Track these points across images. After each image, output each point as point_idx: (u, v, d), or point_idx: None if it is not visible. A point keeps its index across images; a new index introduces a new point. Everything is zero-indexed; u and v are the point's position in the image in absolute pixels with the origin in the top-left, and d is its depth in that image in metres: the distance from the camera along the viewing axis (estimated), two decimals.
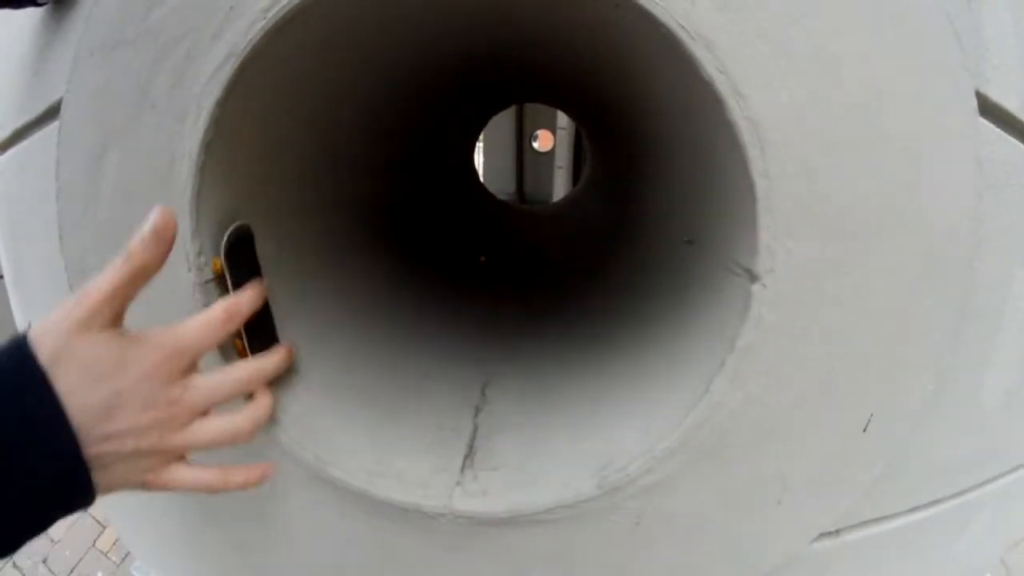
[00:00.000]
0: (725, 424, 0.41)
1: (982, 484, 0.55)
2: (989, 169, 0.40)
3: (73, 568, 2.30)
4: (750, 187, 0.36)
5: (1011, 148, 0.41)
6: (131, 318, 0.35)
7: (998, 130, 0.40)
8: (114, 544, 2.33)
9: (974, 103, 0.38)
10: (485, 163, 2.84)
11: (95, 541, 2.35)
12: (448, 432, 0.52)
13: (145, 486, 0.34)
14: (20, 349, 0.28)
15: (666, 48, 0.36)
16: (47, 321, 0.30)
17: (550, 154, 2.70)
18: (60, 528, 2.37)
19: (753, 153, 0.35)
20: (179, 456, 0.35)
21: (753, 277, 0.38)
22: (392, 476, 0.46)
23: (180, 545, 0.65)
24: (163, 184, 0.41)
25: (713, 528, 0.46)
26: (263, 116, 0.45)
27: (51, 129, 0.50)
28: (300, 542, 0.51)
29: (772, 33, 0.35)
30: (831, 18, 0.36)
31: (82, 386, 0.29)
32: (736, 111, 0.35)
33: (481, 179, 1.89)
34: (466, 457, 0.49)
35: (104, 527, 2.37)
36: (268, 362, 0.40)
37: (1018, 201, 0.42)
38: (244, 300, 0.37)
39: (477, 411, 0.56)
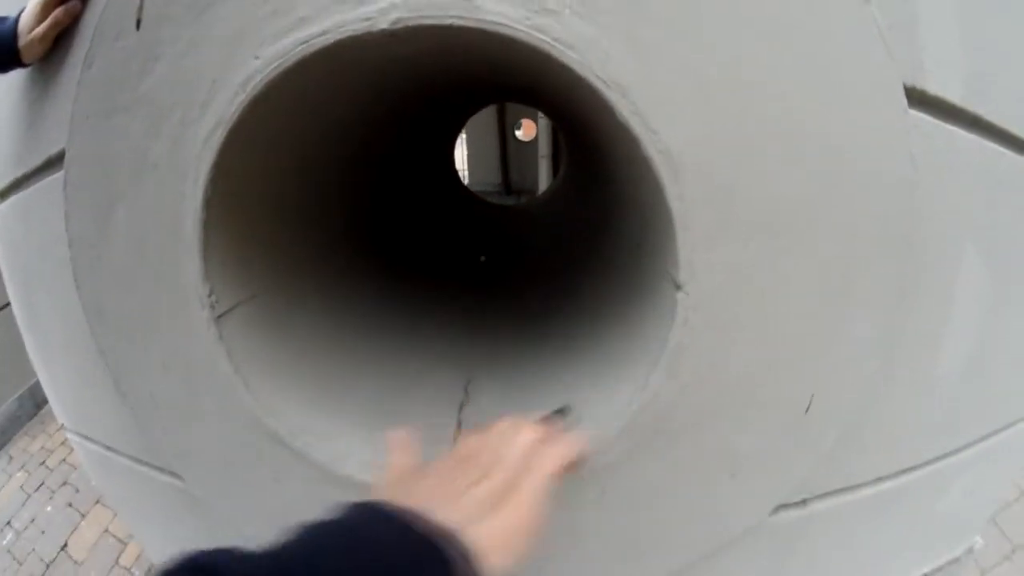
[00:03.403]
0: (666, 410, 0.47)
1: (954, 452, 0.59)
2: (928, 159, 0.43)
3: None
4: (667, 210, 0.41)
5: (953, 136, 0.44)
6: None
7: (936, 121, 0.43)
8: (137, 559, 2.36)
9: (902, 101, 0.41)
10: (469, 156, 2.86)
11: (118, 558, 2.38)
12: (435, 427, 0.59)
13: (518, 501, 0.34)
14: (376, 505, 0.31)
15: (589, 93, 0.41)
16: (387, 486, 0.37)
17: (534, 143, 2.73)
18: (83, 549, 2.40)
19: (667, 180, 0.41)
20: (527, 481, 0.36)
21: (677, 286, 0.43)
22: (387, 469, 0.52)
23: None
24: (172, 236, 0.47)
25: (673, 500, 0.52)
26: (255, 166, 0.51)
27: (53, 180, 0.55)
28: None
29: (683, 69, 0.39)
30: (743, 44, 0.39)
31: (419, 497, 0.33)
32: (649, 146, 0.40)
33: (466, 172, 1.92)
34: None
35: (125, 544, 2.40)
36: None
37: (961, 184, 0.45)
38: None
39: (461, 407, 0.62)
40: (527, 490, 0.35)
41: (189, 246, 0.47)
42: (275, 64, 0.41)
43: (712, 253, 0.43)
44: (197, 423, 0.54)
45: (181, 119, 0.45)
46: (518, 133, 2.95)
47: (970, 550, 0.81)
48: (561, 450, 0.39)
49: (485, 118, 2.83)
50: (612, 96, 0.40)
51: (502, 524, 0.33)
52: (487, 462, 0.36)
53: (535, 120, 2.76)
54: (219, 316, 0.49)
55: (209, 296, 0.48)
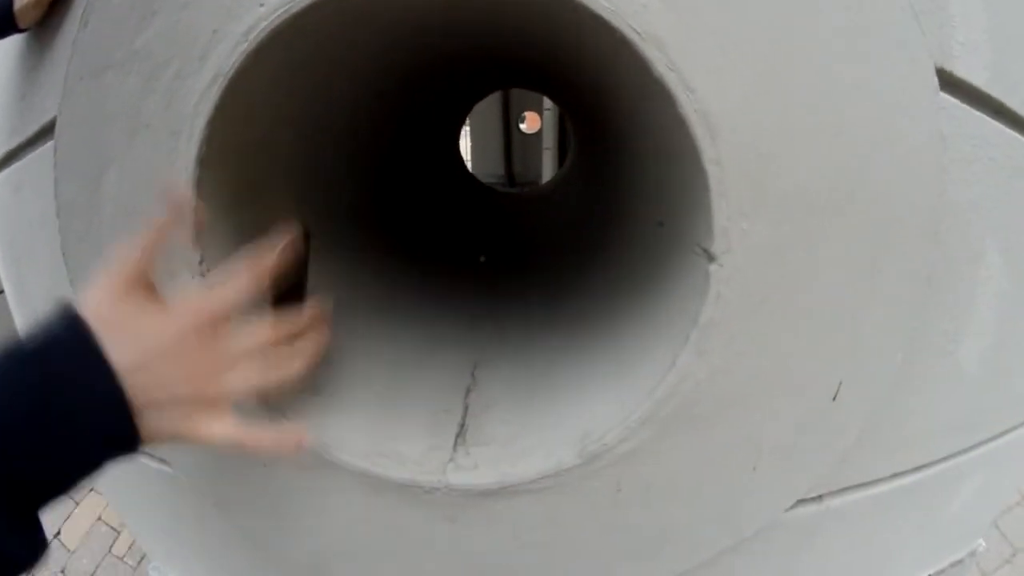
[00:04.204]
0: (693, 394, 0.44)
1: (969, 449, 0.57)
2: (956, 144, 0.42)
3: (91, 575, 2.35)
4: (703, 175, 0.39)
5: (979, 122, 0.43)
6: None
7: (964, 106, 0.42)
8: (130, 548, 2.37)
9: (934, 81, 0.40)
10: (473, 147, 2.84)
11: (111, 547, 2.39)
12: (441, 412, 0.56)
13: (185, 435, 0.36)
14: (70, 314, 0.33)
15: (622, 48, 0.38)
16: (93, 290, 0.35)
17: (538, 135, 2.71)
18: (75, 537, 2.40)
19: (704, 143, 0.38)
20: (218, 407, 0.37)
21: (711, 257, 0.41)
22: (390, 456, 0.49)
23: (193, 542, 0.69)
24: (163, 198, 0.44)
25: (692, 493, 0.49)
26: (253, 126, 0.48)
27: (45, 150, 0.52)
28: (308, 528, 0.54)
29: (722, 27, 0.38)
30: (781, 8, 0.37)
31: (124, 342, 0.32)
32: (687, 105, 0.38)
33: (469, 163, 1.89)
34: (458, 435, 0.53)
35: (119, 532, 2.41)
36: (296, 316, 0.42)
37: (987, 173, 0.44)
38: (266, 257, 0.39)
39: (468, 391, 0.59)
40: (216, 425, 0.36)
41: None
42: (281, 10, 0.38)
43: (748, 224, 0.40)
44: None
45: (177, 72, 0.42)
46: (522, 126, 2.92)
47: (973, 553, 0.80)
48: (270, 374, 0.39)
49: (489, 110, 2.81)
50: (647, 49, 0.37)
51: (179, 431, 0.35)
52: (212, 362, 0.36)
53: (539, 112, 2.74)
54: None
55: (200, 263, 0.45)
